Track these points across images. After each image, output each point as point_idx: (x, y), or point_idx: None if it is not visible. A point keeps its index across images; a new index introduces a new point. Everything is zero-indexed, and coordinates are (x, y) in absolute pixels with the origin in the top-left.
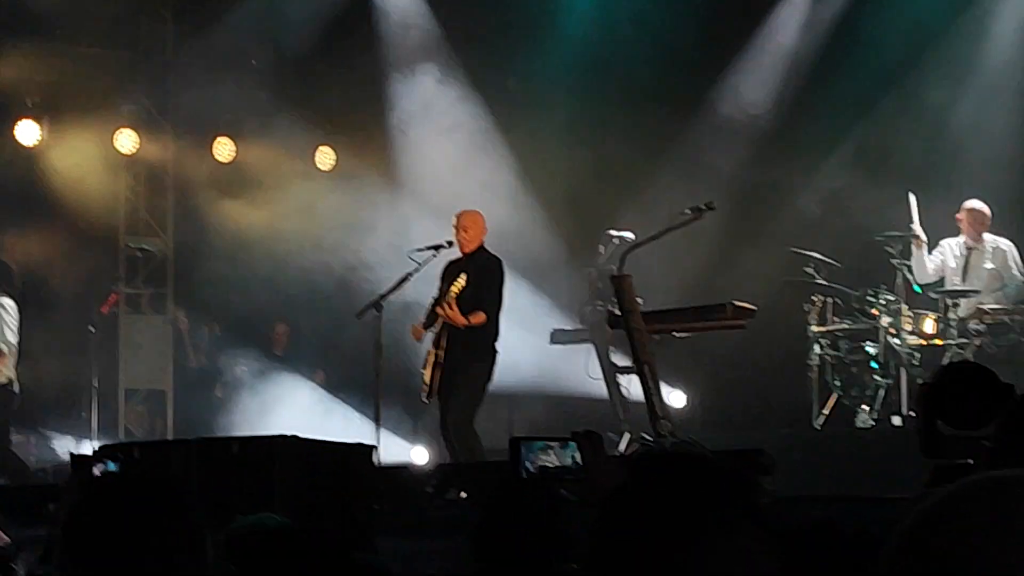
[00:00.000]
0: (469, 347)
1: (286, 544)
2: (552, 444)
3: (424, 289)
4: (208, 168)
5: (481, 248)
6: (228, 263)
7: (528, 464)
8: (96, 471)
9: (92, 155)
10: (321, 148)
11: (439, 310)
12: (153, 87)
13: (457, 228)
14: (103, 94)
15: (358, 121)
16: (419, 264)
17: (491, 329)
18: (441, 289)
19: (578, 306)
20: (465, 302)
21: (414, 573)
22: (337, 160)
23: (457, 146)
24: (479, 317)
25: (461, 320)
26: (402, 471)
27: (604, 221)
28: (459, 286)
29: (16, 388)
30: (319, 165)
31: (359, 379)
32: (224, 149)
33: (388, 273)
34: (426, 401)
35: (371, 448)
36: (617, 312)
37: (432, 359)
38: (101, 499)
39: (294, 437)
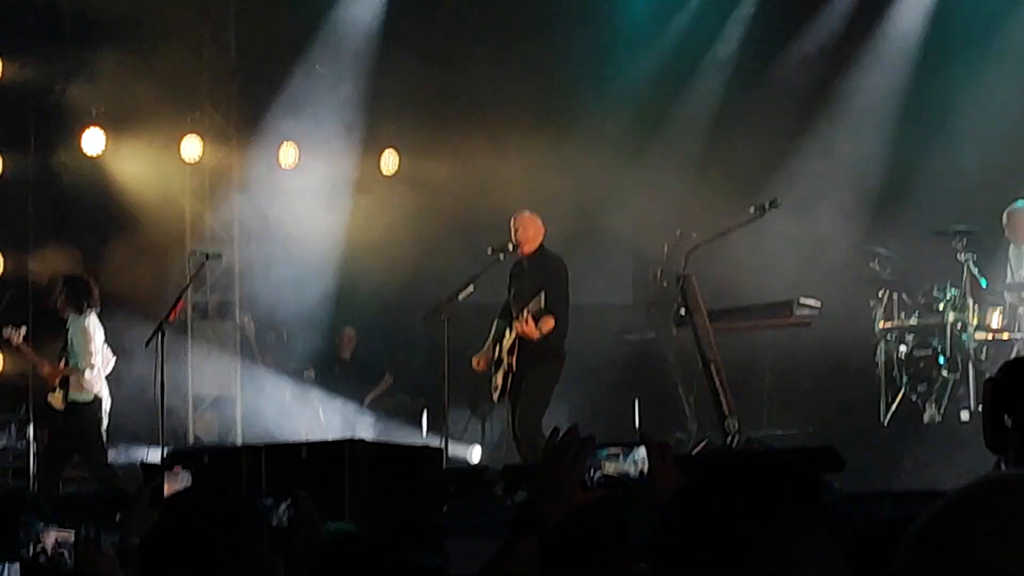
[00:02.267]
0: (539, 350)
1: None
2: (616, 451)
3: (489, 291)
4: (273, 173)
5: (542, 248)
6: (294, 268)
7: (593, 471)
8: (168, 485)
9: (157, 163)
10: (386, 152)
11: (516, 325)
12: (217, 94)
13: (515, 229)
14: (168, 102)
15: (423, 124)
16: (484, 266)
17: (561, 330)
18: (511, 291)
19: (644, 306)
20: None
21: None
22: (401, 163)
23: (519, 148)
24: (549, 324)
25: (535, 334)
26: (470, 473)
27: (669, 220)
28: (538, 305)
29: (106, 404)
30: (384, 169)
31: (426, 382)
32: (288, 155)
33: (454, 276)
34: (496, 402)
35: (439, 450)
36: (683, 311)
37: (503, 365)
38: (176, 520)
39: (362, 441)
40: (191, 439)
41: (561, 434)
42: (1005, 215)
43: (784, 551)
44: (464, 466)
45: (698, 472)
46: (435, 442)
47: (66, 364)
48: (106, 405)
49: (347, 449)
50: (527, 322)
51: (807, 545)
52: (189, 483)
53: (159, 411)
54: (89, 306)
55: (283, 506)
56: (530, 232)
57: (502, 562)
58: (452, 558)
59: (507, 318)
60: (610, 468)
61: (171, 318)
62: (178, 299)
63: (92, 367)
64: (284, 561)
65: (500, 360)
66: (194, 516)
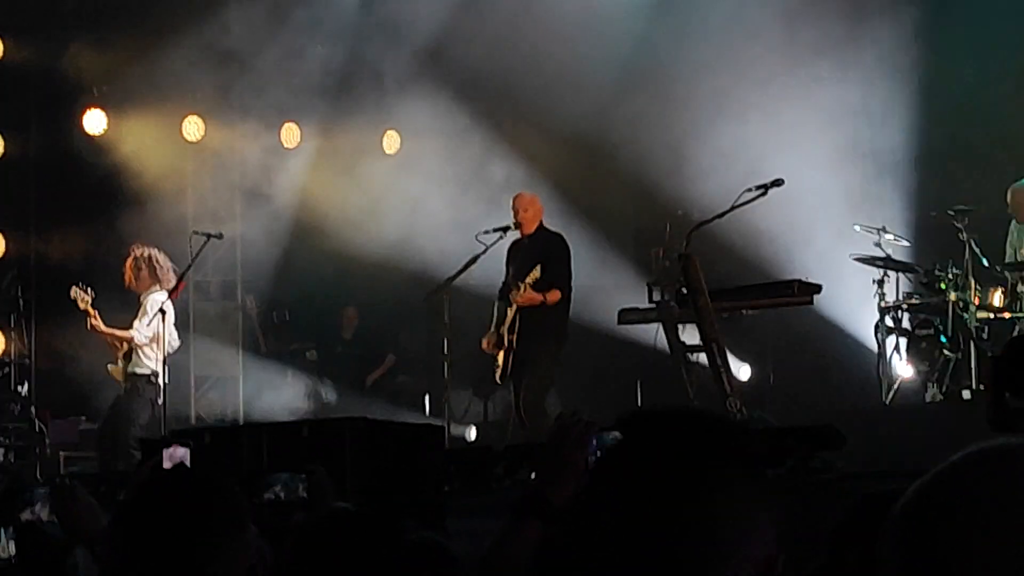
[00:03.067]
0: (540, 328)
1: (349, 528)
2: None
3: (491, 271)
4: (275, 153)
5: (542, 227)
6: (296, 248)
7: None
8: (167, 462)
9: (159, 143)
10: (388, 132)
11: (513, 296)
12: (219, 74)
13: (515, 210)
14: (169, 82)
15: (423, 105)
16: (486, 246)
17: (563, 308)
18: (508, 271)
19: (645, 286)
20: (538, 283)
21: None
22: (402, 143)
23: (520, 129)
24: (555, 295)
25: (538, 298)
26: (472, 452)
27: (671, 200)
28: (534, 276)
29: (160, 379)
30: (385, 149)
31: (428, 361)
32: (290, 135)
33: (455, 256)
34: (499, 382)
35: (440, 429)
36: (684, 291)
37: (505, 345)
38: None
39: (363, 419)
40: (193, 419)
41: (564, 417)
42: (1009, 193)
43: (708, 510)
44: (466, 445)
45: (621, 433)
46: (437, 422)
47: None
48: (161, 382)
49: (348, 428)
50: (525, 290)
51: (733, 503)
52: (187, 460)
53: (162, 391)
54: (160, 284)
55: (297, 482)
56: (529, 212)
57: (506, 544)
58: (453, 537)
59: (506, 299)
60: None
61: (173, 297)
62: (180, 279)
63: (156, 341)
64: (284, 536)
65: (501, 339)
66: (165, 494)
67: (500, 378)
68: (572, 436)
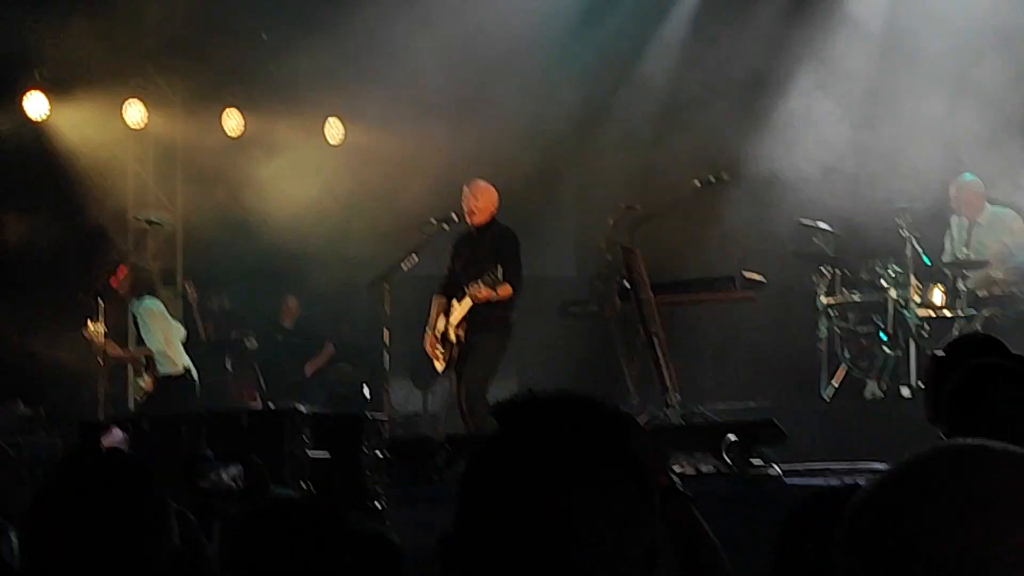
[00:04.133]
0: (487, 321)
1: (286, 517)
2: None
3: (433, 263)
4: (217, 141)
5: (493, 221)
6: (237, 236)
7: None
8: (105, 443)
9: (101, 128)
10: (330, 120)
11: (472, 292)
12: (163, 60)
13: (466, 198)
14: (112, 66)
15: (369, 95)
16: (427, 236)
17: (510, 302)
18: (455, 264)
19: (588, 279)
20: (491, 279)
21: (423, 543)
22: (346, 133)
23: (463, 119)
24: (506, 290)
25: (488, 293)
26: (412, 443)
27: (614, 193)
28: (494, 278)
29: (195, 375)
30: (328, 138)
31: (368, 352)
32: (233, 122)
33: (398, 247)
34: (441, 373)
35: (380, 420)
36: (627, 284)
37: (452, 337)
38: (68, 477)
39: (303, 409)
40: (131, 405)
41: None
42: (952, 187)
43: (586, 503)
44: (405, 436)
45: (499, 423)
46: (376, 413)
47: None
48: (196, 376)
49: (287, 418)
50: (482, 290)
51: (612, 494)
52: (126, 442)
53: (102, 377)
54: (151, 290)
55: (232, 470)
56: (481, 202)
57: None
58: (393, 527)
59: (450, 293)
60: None
61: (113, 284)
62: (119, 265)
63: (170, 344)
64: (222, 525)
65: (446, 333)
66: (81, 478)
67: (443, 370)
68: None
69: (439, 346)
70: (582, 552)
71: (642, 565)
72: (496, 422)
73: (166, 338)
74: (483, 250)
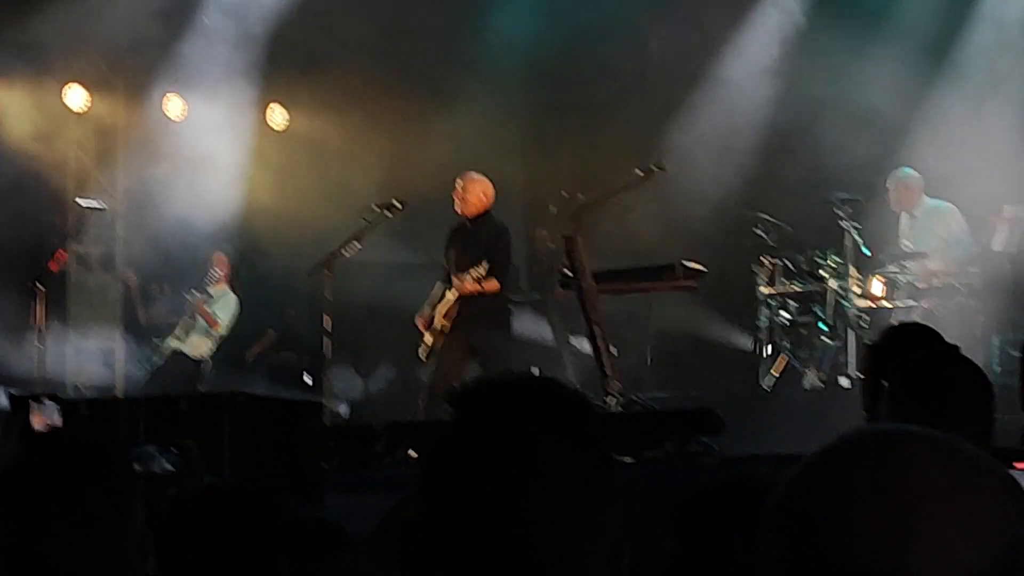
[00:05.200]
0: (487, 315)
1: (223, 503)
2: None
3: (378, 249)
4: (159, 125)
5: (487, 214)
6: (178, 222)
7: None
8: (35, 416)
9: (41, 111)
10: (272, 106)
11: (456, 285)
12: (104, 43)
13: (458, 188)
14: (53, 50)
15: (311, 80)
16: (369, 223)
17: (504, 294)
18: (449, 255)
19: (528, 267)
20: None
21: (362, 531)
22: (290, 119)
23: (407, 106)
24: (492, 284)
25: (477, 288)
26: (352, 429)
27: (555, 182)
28: (479, 272)
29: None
30: (271, 124)
31: (308, 338)
32: (175, 106)
33: (340, 233)
34: (423, 360)
35: (319, 405)
36: (568, 272)
37: (438, 326)
38: (35, 458)
39: (242, 394)
40: (69, 390)
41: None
42: (890, 182)
43: (545, 485)
44: (345, 422)
45: (456, 410)
46: (316, 399)
47: None
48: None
49: (226, 402)
50: (466, 284)
51: (570, 476)
52: (58, 416)
53: (38, 362)
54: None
55: (167, 455)
56: (470, 194)
57: (401, 512)
58: (332, 514)
59: (448, 282)
60: None
61: (52, 267)
62: (58, 249)
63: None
64: (156, 511)
65: (433, 320)
66: (56, 457)
67: (425, 356)
68: None
69: (427, 332)
70: (547, 541)
71: (608, 554)
72: (453, 408)
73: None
74: (474, 243)
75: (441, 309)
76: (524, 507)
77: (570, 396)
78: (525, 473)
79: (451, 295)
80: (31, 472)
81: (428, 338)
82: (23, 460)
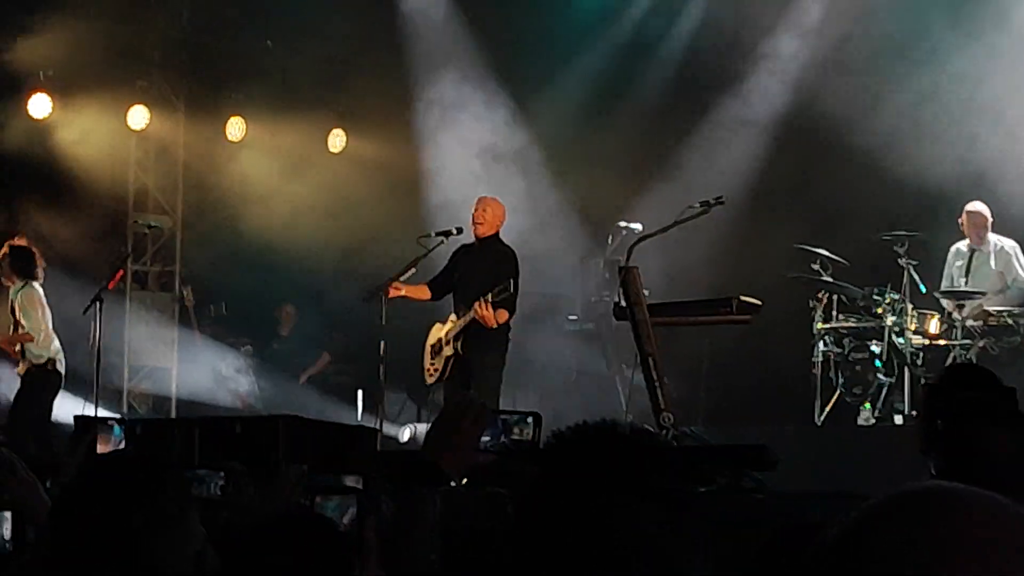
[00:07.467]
0: (487, 340)
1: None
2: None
3: (431, 275)
4: (219, 147)
5: (496, 237)
6: (237, 243)
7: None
8: (100, 439)
9: (103, 130)
10: (334, 131)
11: (477, 308)
12: (167, 64)
13: (475, 211)
14: (116, 69)
15: (372, 104)
16: (427, 249)
17: (507, 323)
18: (453, 274)
19: (585, 297)
20: (485, 292)
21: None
22: (348, 143)
23: (471, 134)
24: (504, 315)
25: (493, 322)
26: (402, 455)
27: (614, 212)
28: (500, 295)
29: (61, 368)
30: (331, 147)
31: (363, 363)
32: (236, 128)
33: (396, 257)
34: (429, 384)
35: (374, 431)
36: (623, 303)
37: (443, 350)
38: (96, 476)
39: (297, 418)
40: (125, 409)
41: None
42: (963, 215)
43: (619, 534)
44: (398, 447)
45: (542, 460)
46: (370, 422)
47: (14, 332)
48: (61, 368)
49: (281, 425)
50: (486, 307)
51: (645, 525)
52: (122, 438)
53: (94, 380)
54: (34, 275)
55: (217, 478)
56: (488, 215)
57: (403, 510)
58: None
59: (435, 291)
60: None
61: (110, 287)
62: (118, 268)
63: (43, 330)
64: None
65: (438, 343)
66: (118, 476)
67: (433, 381)
68: (471, 413)
69: (429, 358)
70: None
71: None
72: (548, 458)
73: (41, 325)
74: (483, 264)
75: (450, 330)
76: (611, 561)
77: (655, 455)
78: (611, 529)
79: (460, 320)
80: (90, 490)
81: (437, 363)
82: (87, 479)
